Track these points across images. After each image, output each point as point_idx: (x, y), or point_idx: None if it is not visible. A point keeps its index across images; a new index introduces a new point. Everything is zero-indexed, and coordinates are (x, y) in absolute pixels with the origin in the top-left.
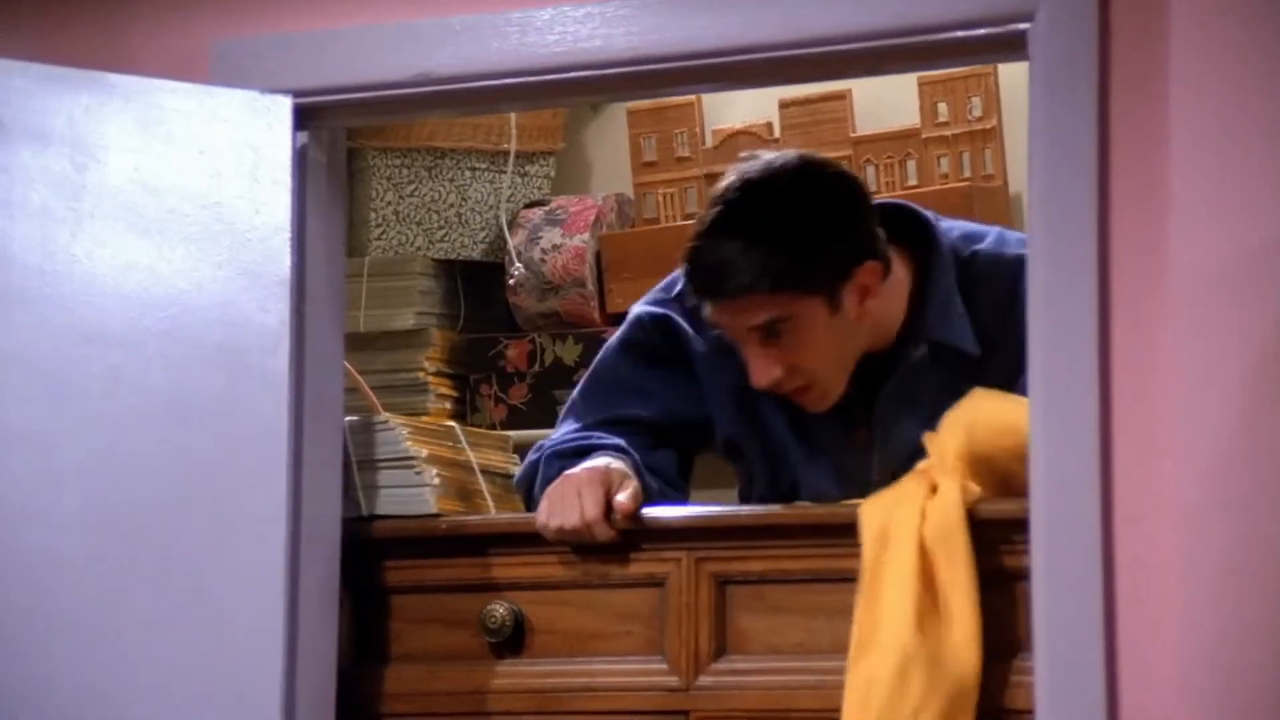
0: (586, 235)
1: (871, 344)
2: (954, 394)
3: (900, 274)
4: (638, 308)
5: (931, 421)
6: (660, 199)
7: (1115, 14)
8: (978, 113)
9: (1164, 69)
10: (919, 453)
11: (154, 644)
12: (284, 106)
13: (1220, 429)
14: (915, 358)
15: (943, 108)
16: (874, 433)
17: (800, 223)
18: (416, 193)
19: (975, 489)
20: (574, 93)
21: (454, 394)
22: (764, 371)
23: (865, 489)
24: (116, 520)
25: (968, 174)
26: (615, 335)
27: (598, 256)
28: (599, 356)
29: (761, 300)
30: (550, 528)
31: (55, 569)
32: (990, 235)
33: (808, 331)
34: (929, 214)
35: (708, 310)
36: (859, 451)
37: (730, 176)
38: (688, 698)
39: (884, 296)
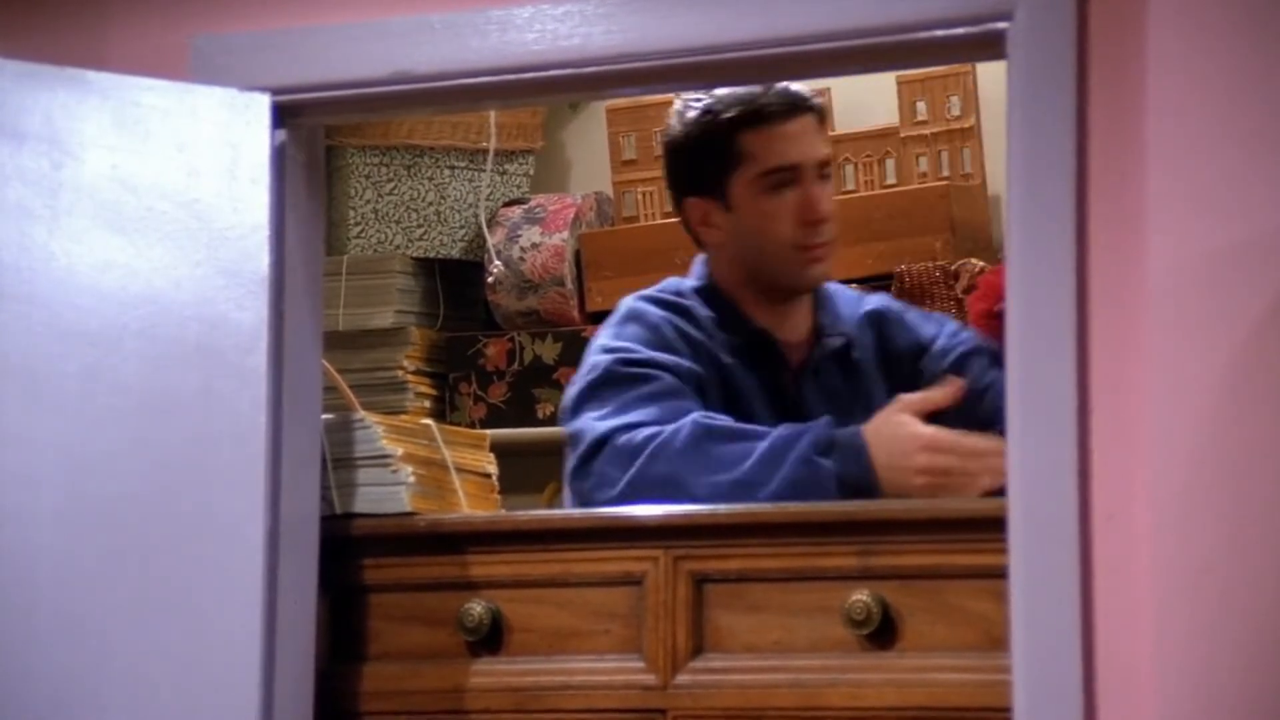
0: (566, 233)
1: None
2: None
3: None
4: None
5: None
6: (640, 197)
7: (1093, 13)
8: (956, 112)
9: (1142, 68)
10: None
11: (132, 643)
12: (263, 104)
13: (1198, 426)
14: (831, 349)
15: (921, 107)
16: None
17: None
18: (395, 191)
19: None
20: (553, 91)
21: (433, 392)
22: (826, 203)
23: None
24: (94, 518)
25: (946, 173)
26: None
27: (577, 255)
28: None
29: (823, 135)
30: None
31: (33, 567)
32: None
33: (834, 188)
34: None
35: (790, 128)
36: None
37: None
38: (665, 696)
39: None
